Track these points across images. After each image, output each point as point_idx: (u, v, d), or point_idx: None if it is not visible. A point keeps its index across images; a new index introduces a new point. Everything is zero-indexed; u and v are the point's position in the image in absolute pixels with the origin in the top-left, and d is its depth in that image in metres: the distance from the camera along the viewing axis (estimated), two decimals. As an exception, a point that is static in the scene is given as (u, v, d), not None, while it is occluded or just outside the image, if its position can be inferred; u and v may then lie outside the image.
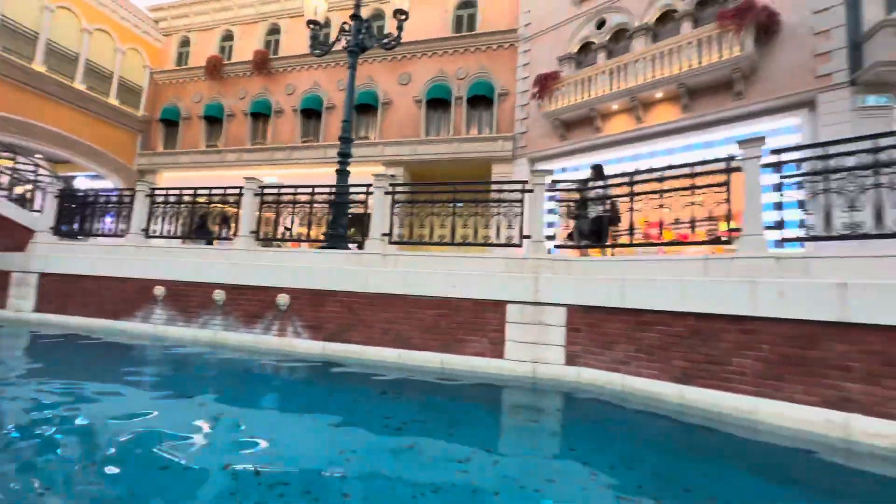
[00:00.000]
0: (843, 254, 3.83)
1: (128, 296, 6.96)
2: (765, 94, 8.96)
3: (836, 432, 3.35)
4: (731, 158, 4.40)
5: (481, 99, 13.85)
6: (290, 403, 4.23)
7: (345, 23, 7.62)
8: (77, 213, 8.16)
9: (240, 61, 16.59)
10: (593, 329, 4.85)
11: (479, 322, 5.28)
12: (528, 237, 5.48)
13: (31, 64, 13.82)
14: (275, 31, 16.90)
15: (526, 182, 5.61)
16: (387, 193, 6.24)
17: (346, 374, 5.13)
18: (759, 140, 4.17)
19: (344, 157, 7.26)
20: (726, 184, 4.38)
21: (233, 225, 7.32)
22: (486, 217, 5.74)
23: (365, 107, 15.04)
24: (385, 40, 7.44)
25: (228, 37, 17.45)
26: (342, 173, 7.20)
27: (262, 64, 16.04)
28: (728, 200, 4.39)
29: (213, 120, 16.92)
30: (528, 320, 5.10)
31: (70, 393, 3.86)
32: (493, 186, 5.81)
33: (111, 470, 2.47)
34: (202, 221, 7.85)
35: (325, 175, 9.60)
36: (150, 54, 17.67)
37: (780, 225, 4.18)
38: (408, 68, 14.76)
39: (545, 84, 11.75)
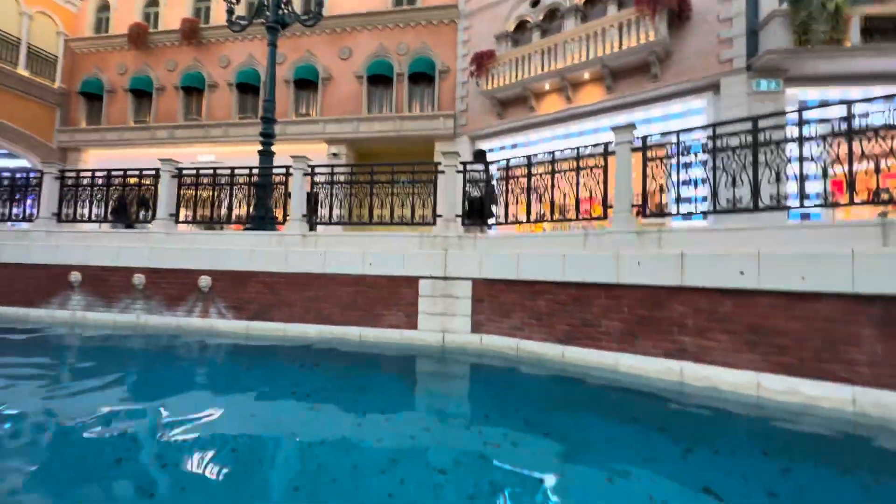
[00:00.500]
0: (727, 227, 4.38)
1: (41, 283, 6.75)
2: (677, 77, 9.60)
3: (673, 377, 3.98)
4: (608, 144, 4.86)
5: (423, 76, 13.83)
6: (210, 381, 4.42)
7: (263, -4, 7.41)
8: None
9: (167, 30, 15.52)
10: (494, 299, 5.31)
11: (394, 297, 5.62)
12: (439, 216, 5.81)
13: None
14: (204, -3, 15.86)
15: (439, 164, 5.88)
16: (305, 175, 6.33)
17: (267, 350, 5.36)
18: (630, 127, 4.63)
19: (267, 138, 7.22)
20: (604, 167, 4.86)
21: (152, 208, 7.17)
22: (401, 197, 6.00)
23: (305, 83, 14.64)
24: (305, 17, 7.32)
25: (153, 2, 16.20)
26: (265, 154, 7.17)
27: (192, 33, 15.10)
28: (606, 182, 4.87)
29: (142, 94, 15.89)
30: (439, 293, 5.49)
31: None
32: (409, 168, 6.04)
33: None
34: (121, 204, 7.62)
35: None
36: (63, 19, 16.15)
37: (649, 203, 4.71)
38: (347, 42, 14.41)
39: (481, 63, 11.91)
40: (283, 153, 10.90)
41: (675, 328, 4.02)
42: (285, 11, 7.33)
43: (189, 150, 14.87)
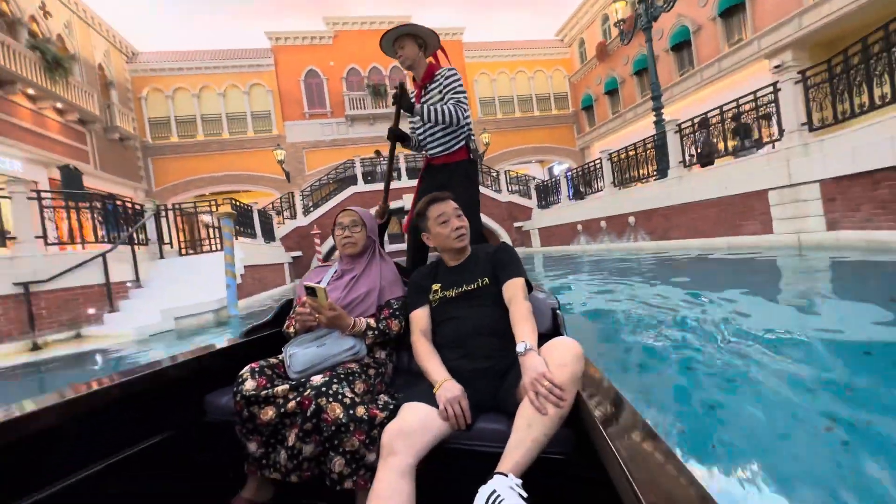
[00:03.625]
0: None
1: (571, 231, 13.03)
2: None
3: None
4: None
5: None
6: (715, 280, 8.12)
7: None
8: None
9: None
10: (843, 195, 5.45)
11: (748, 210, 6.88)
12: (783, 130, 6.32)
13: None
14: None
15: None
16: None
17: (693, 259, 8.31)
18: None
19: (657, 111, 9.82)
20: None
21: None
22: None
23: (731, 10, 14.43)
24: (662, 4, 9.24)
25: (605, 19, 21.35)
26: (658, 122, 9.80)
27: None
28: None
29: (613, 92, 21.46)
30: (787, 200, 6.23)
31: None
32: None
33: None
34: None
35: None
36: (565, 66, 24.74)
37: None
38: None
39: None
40: (718, 93, 12.82)
41: None
42: (656, 11, 9.55)
43: (643, 121, 18.67)
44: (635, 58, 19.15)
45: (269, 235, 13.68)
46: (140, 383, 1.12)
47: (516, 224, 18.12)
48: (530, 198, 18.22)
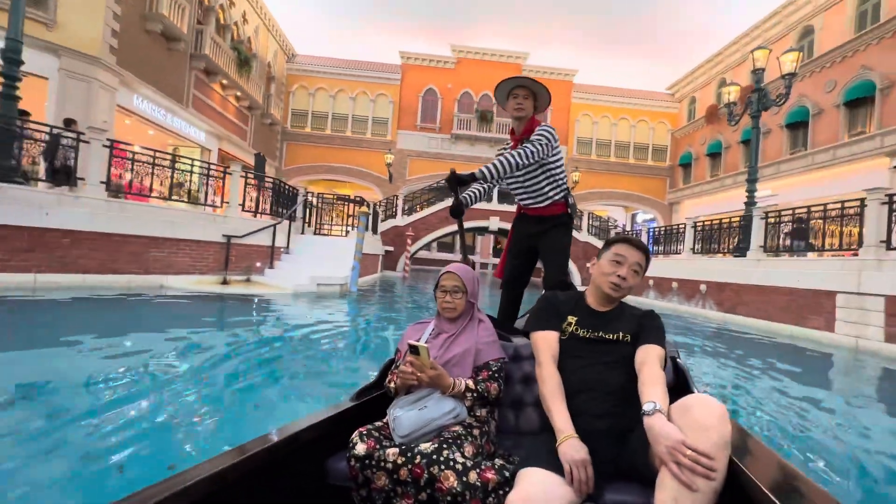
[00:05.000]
0: None
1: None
2: None
3: None
4: None
5: None
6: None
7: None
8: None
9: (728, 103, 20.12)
10: (903, 314, 6.03)
11: (815, 306, 7.48)
12: (862, 242, 6.92)
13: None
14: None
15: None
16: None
17: (742, 336, 8.98)
18: None
19: (751, 194, 10.41)
20: None
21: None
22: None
23: (857, 101, 14.26)
24: (775, 100, 9.90)
25: (721, 84, 21.41)
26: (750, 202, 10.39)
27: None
28: None
29: (715, 154, 21.40)
30: (853, 306, 6.83)
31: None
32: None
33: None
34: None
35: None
36: (670, 120, 24.95)
37: None
38: (918, 37, 12.66)
39: None
40: (828, 179, 13.09)
41: None
42: (768, 102, 10.21)
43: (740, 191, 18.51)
44: (745, 127, 19.09)
45: (373, 228, 16.02)
46: (265, 453, 1.08)
47: (588, 264, 18.91)
48: (608, 242, 18.94)
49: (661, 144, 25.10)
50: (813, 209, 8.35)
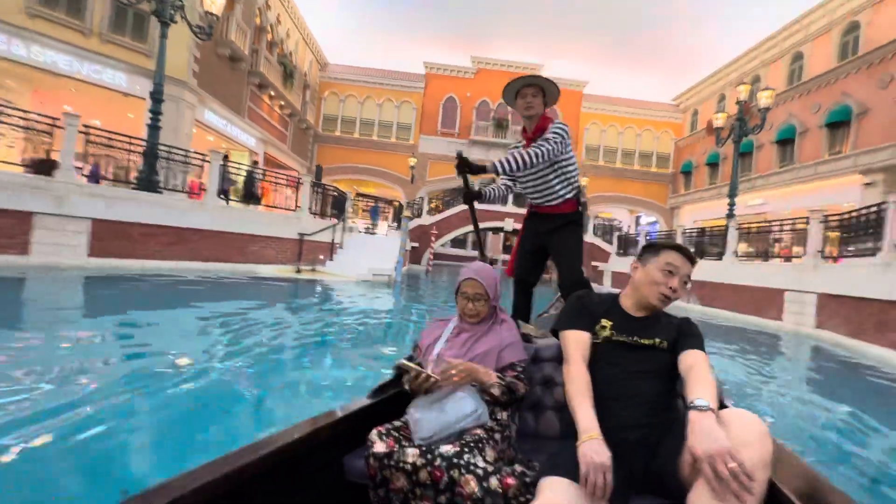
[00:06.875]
0: None
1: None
2: None
3: None
4: None
5: None
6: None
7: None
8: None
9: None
10: (826, 306, 8.00)
11: (767, 300, 9.44)
12: (806, 251, 8.87)
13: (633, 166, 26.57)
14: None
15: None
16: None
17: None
18: None
19: (731, 207, 12.32)
20: None
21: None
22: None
23: (836, 124, 15.99)
24: (754, 127, 11.77)
25: (721, 99, 23.12)
26: (730, 214, 12.30)
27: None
28: None
29: (714, 165, 23.16)
30: (794, 300, 8.78)
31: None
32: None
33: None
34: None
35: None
36: (674, 129, 26.68)
37: None
38: (891, 69, 14.38)
39: None
40: (811, 191, 14.99)
41: None
42: (747, 130, 12.07)
43: (741, 198, 20.30)
44: (742, 142, 20.83)
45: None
46: (282, 449, 1.06)
47: (593, 263, 20.87)
48: (611, 243, 20.84)
49: (664, 152, 26.85)
50: (773, 223, 10.29)
